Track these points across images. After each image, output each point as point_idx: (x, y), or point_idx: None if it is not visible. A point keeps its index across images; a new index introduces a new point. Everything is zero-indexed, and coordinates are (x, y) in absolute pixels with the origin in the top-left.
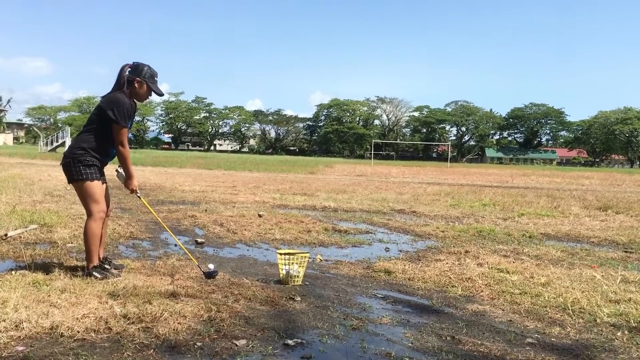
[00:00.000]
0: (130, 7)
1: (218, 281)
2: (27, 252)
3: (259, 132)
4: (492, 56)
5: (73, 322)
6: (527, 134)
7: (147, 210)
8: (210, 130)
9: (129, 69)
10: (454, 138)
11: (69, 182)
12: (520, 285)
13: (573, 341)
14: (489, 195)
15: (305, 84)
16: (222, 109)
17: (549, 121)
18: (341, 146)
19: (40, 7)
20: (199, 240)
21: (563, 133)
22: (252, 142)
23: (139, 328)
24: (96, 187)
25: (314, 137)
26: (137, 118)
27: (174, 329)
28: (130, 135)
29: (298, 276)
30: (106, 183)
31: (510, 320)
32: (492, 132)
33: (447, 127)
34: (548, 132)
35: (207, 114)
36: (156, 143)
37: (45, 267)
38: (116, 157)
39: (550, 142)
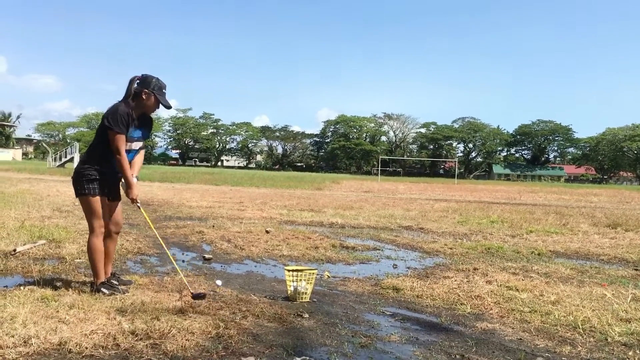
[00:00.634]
0: (139, 25)
1: (226, 297)
2: (35, 268)
3: (266, 148)
4: (498, 73)
5: (81, 338)
6: (534, 151)
7: (155, 226)
8: (217, 146)
9: (138, 81)
10: (461, 154)
11: (75, 196)
12: (529, 303)
13: None
14: (497, 212)
15: (312, 101)
16: (230, 125)
17: (557, 138)
18: (348, 162)
19: (51, 26)
20: (207, 256)
21: (571, 150)
22: (259, 158)
23: (147, 344)
24: (97, 203)
25: (321, 153)
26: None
27: (182, 346)
28: (139, 145)
29: (306, 293)
30: (117, 200)
31: (520, 339)
32: (499, 148)
33: (454, 144)
34: (556, 148)
35: (215, 130)
36: (164, 159)
37: (54, 283)
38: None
39: (558, 158)
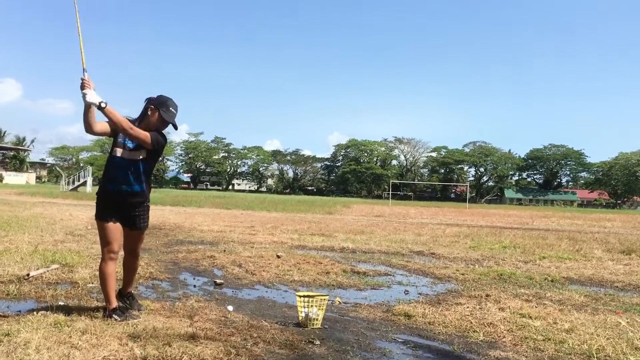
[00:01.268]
0: (150, 50)
1: (237, 323)
2: (48, 292)
3: (277, 172)
4: (510, 97)
5: None
6: (546, 175)
7: (166, 250)
8: (228, 170)
9: (147, 98)
10: (473, 179)
11: None
12: (543, 331)
13: None
14: (509, 237)
15: (323, 125)
16: (241, 149)
17: (569, 162)
18: (359, 186)
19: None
20: (218, 281)
21: (583, 174)
22: (270, 181)
23: None
24: (103, 227)
25: (332, 177)
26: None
27: None
28: (139, 156)
29: (317, 319)
30: (137, 229)
31: None
32: (511, 172)
33: (466, 168)
34: (568, 173)
35: (226, 154)
36: (175, 182)
37: (67, 308)
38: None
39: (570, 183)
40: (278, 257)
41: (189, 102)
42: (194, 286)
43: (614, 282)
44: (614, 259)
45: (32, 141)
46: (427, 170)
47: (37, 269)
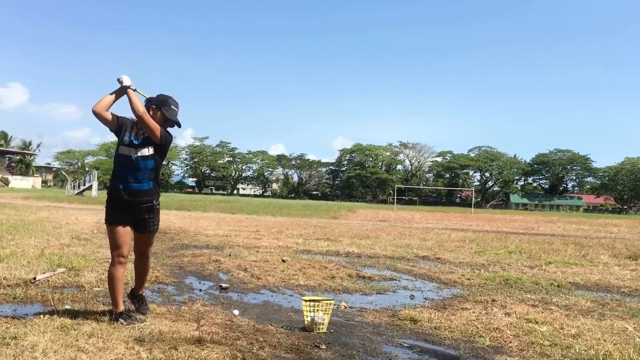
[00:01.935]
0: (156, 54)
1: (243, 327)
2: (55, 296)
3: (281, 177)
4: (515, 102)
5: None
6: (552, 180)
7: (172, 254)
8: (233, 174)
9: (147, 98)
10: (478, 183)
11: None
12: (550, 337)
13: None
14: (515, 242)
15: (328, 129)
16: (246, 154)
17: (575, 167)
18: (364, 191)
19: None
20: (224, 285)
21: (589, 179)
22: (274, 186)
23: None
24: (111, 231)
25: (337, 182)
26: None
27: None
28: (143, 152)
29: (323, 323)
30: (146, 233)
31: None
32: (516, 177)
33: (471, 173)
34: (574, 178)
35: (231, 159)
36: (180, 187)
37: (73, 311)
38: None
39: (576, 188)
40: (283, 261)
41: (194, 106)
42: (200, 290)
43: (620, 287)
44: (620, 264)
45: (38, 145)
46: (432, 175)
47: (44, 273)
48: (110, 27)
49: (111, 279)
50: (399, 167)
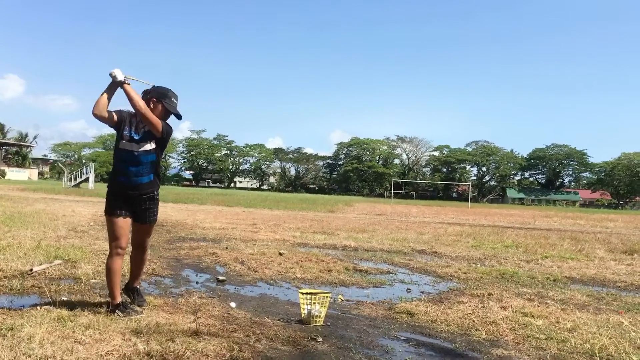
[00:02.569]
0: (154, 46)
1: (240, 320)
2: (51, 288)
3: (279, 170)
4: (512, 96)
5: (97, 359)
6: (549, 175)
7: (169, 247)
8: (230, 167)
9: (144, 91)
10: (475, 178)
11: None
12: (545, 330)
13: None
14: (511, 236)
15: (325, 123)
16: (243, 147)
17: (571, 162)
18: (361, 185)
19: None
20: (221, 278)
21: (586, 174)
22: (272, 179)
23: None
24: (110, 222)
25: (334, 176)
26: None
27: None
28: (142, 148)
29: (320, 316)
30: (146, 224)
31: None
32: (513, 172)
33: (468, 167)
34: (570, 173)
35: (228, 152)
36: (177, 179)
37: (70, 303)
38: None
39: (572, 183)
40: (280, 254)
41: (191, 99)
42: (197, 283)
43: (616, 282)
44: (616, 259)
45: (35, 137)
46: (429, 169)
47: (40, 265)
48: (107, 18)
49: (108, 271)
50: (396, 161)
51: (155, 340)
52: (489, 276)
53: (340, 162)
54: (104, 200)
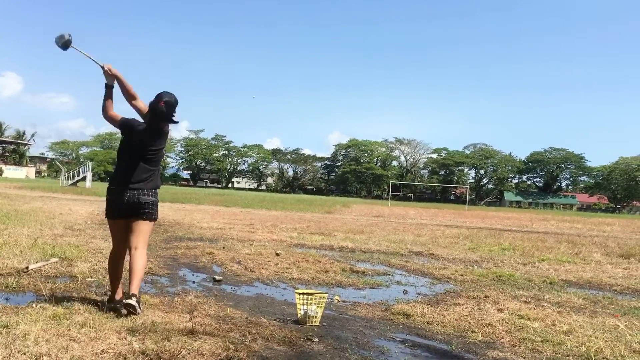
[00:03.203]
0: (153, 44)
1: (236, 320)
2: (47, 286)
3: (276, 171)
4: (510, 100)
5: (92, 357)
6: (546, 179)
7: (166, 246)
8: (228, 167)
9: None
10: (472, 181)
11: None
12: (541, 333)
13: None
14: (509, 239)
15: (324, 124)
16: (241, 147)
17: (569, 166)
18: (358, 186)
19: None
20: (217, 277)
21: (583, 178)
22: (269, 180)
23: None
24: (110, 224)
25: (332, 177)
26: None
27: None
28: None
29: (316, 317)
30: (140, 219)
31: None
32: (511, 175)
33: (466, 170)
34: (568, 177)
35: (226, 152)
36: (175, 179)
37: (66, 301)
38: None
39: (570, 187)
40: (277, 254)
41: (190, 98)
42: (193, 282)
43: (612, 285)
44: (612, 262)
45: (33, 135)
46: (427, 171)
47: (37, 262)
48: (106, 16)
49: (108, 268)
50: (394, 163)
51: (151, 339)
52: (486, 278)
53: (338, 164)
54: (104, 199)
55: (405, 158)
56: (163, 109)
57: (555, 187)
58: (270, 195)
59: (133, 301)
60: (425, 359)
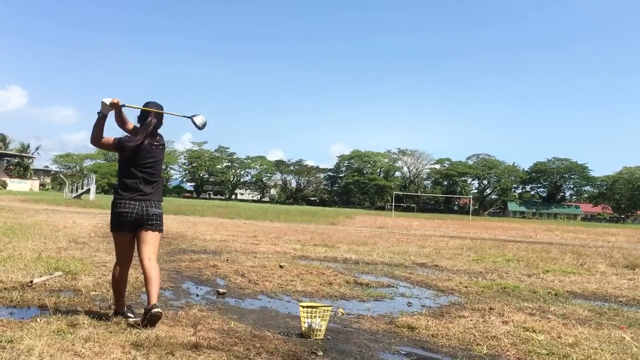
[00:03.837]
0: (155, 57)
1: (240, 333)
2: (51, 300)
3: (280, 182)
4: (514, 110)
5: None
6: (550, 189)
7: (169, 259)
8: (232, 179)
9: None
10: (476, 191)
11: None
12: (547, 345)
13: None
14: (513, 250)
15: (327, 135)
16: (244, 159)
17: (573, 176)
18: (362, 197)
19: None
20: (221, 290)
21: (587, 188)
22: (273, 191)
23: None
24: (114, 237)
25: (335, 188)
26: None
27: None
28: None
29: (320, 330)
30: (146, 229)
31: None
32: (514, 185)
33: (469, 180)
34: (572, 187)
35: (229, 164)
36: (178, 191)
37: (70, 315)
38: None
39: (574, 197)
40: (281, 267)
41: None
42: (197, 295)
43: (618, 296)
44: (618, 273)
45: (37, 148)
46: (430, 182)
47: (41, 276)
48: (109, 29)
49: (112, 280)
50: (397, 173)
51: (155, 354)
52: (490, 290)
53: (341, 175)
54: (108, 212)
55: (408, 169)
56: (154, 121)
57: (559, 197)
58: (273, 206)
59: (159, 309)
60: None
